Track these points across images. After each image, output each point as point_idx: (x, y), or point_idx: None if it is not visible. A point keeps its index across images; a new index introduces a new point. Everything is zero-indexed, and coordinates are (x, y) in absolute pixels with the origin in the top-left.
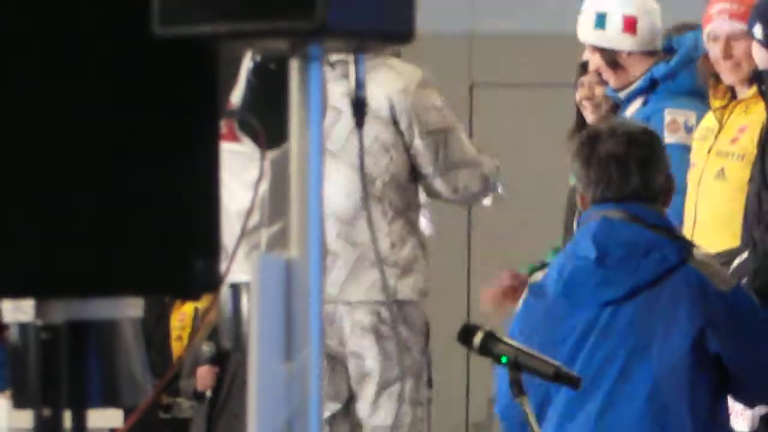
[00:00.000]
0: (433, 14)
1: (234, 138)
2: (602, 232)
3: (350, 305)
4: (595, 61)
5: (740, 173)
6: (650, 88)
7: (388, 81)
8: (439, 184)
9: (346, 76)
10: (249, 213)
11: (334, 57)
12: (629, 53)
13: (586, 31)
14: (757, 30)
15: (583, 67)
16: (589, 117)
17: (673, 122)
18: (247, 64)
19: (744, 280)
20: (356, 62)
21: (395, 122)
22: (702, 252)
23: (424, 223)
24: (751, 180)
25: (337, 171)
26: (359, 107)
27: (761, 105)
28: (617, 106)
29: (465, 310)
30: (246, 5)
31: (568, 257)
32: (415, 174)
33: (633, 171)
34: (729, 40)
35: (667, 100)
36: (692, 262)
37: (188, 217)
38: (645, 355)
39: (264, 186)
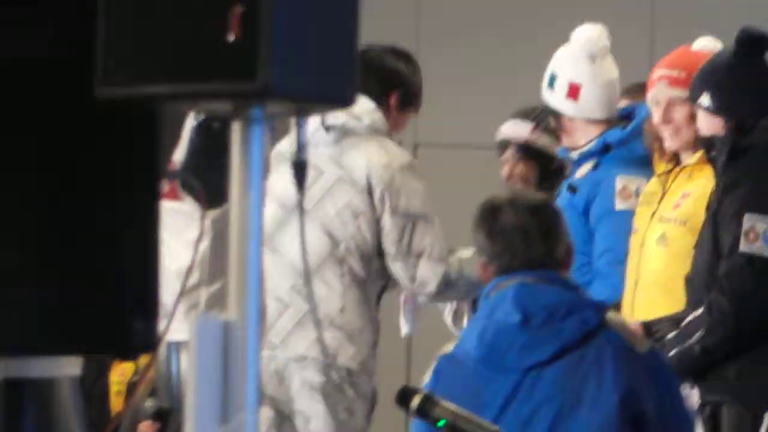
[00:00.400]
0: None
1: (176, 197)
2: (523, 296)
3: (300, 363)
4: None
5: (682, 239)
6: (602, 151)
7: (374, 154)
8: (397, 268)
9: (337, 141)
10: (189, 272)
11: (330, 121)
12: (570, 119)
13: (543, 88)
14: (704, 98)
15: (503, 146)
16: None
17: (624, 189)
18: (190, 122)
19: (694, 338)
20: (297, 125)
21: (370, 192)
22: (614, 313)
23: (403, 320)
24: (697, 246)
25: (306, 227)
26: (299, 169)
27: (706, 171)
28: (552, 174)
29: (405, 376)
30: (188, 66)
31: (486, 323)
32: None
33: (537, 240)
34: (669, 106)
35: (620, 166)
36: (610, 323)
37: (128, 277)
38: (571, 417)
39: (204, 245)
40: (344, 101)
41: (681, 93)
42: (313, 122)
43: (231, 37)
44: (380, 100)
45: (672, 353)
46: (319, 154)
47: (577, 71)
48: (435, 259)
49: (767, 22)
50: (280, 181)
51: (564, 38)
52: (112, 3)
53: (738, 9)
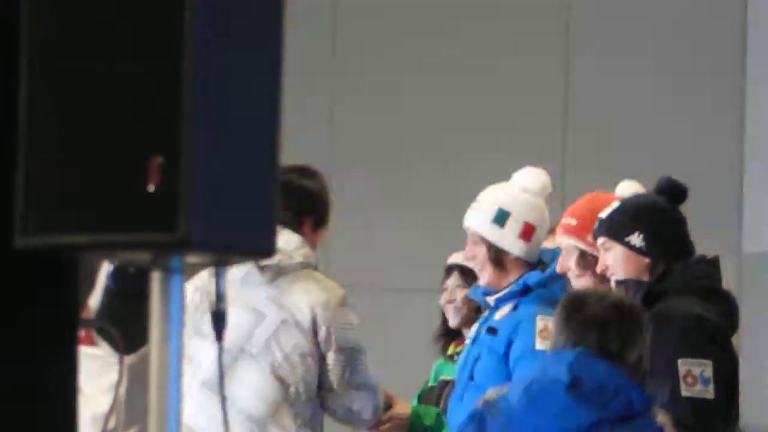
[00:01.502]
0: None
1: (91, 342)
2: (578, 362)
3: None
4: (478, 252)
5: None
6: (522, 293)
7: (313, 293)
8: (336, 402)
9: (272, 281)
10: (109, 415)
11: (264, 261)
12: (516, 258)
13: (480, 222)
14: (635, 238)
15: (448, 271)
16: (451, 320)
17: (545, 329)
18: (105, 268)
19: None
20: (216, 275)
21: (315, 332)
22: (660, 411)
23: None
24: None
25: (256, 372)
26: (218, 320)
27: None
28: (479, 309)
29: None
30: (107, 217)
31: (536, 377)
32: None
33: (613, 339)
34: (565, 253)
35: (540, 306)
36: (653, 414)
37: (44, 426)
38: None
39: (121, 390)
40: (264, 252)
41: (574, 241)
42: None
43: (151, 188)
44: (296, 227)
45: None
46: (255, 295)
47: (534, 214)
48: (369, 388)
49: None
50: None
51: (478, 172)
52: (32, 152)
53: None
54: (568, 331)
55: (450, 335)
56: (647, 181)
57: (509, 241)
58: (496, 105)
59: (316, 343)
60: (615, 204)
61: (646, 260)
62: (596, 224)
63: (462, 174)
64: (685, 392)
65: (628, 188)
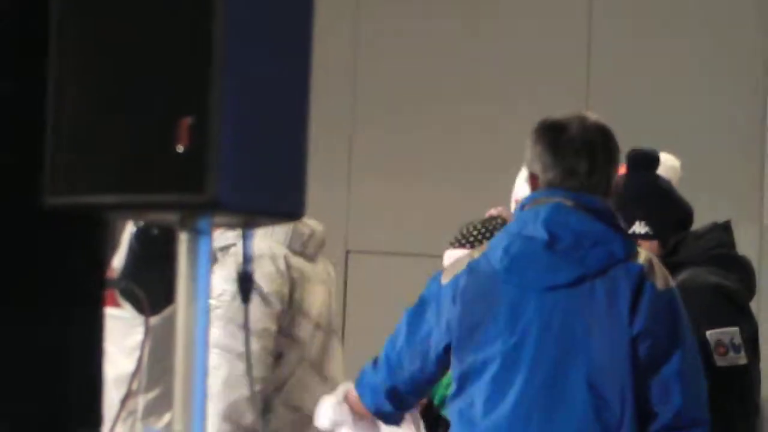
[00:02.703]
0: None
1: (114, 303)
2: (553, 218)
3: None
4: None
5: None
6: None
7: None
8: None
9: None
10: (135, 376)
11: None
12: None
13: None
14: (639, 227)
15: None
16: None
17: None
18: (129, 229)
19: None
20: (244, 237)
21: None
22: (645, 251)
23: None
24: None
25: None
26: (245, 282)
27: None
28: None
29: None
30: (136, 177)
31: (514, 239)
32: None
33: (599, 166)
34: None
35: None
36: (636, 258)
37: (72, 388)
38: (582, 345)
39: (145, 352)
40: (293, 214)
41: None
42: None
43: (180, 149)
44: None
45: None
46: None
47: None
48: None
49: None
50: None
51: (490, 156)
52: (61, 112)
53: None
54: (555, 156)
55: None
56: (668, 144)
57: None
58: (518, 64)
59: None
60: None
61: (655, 241)
62: None
63: (486, 135)
64: (720, 362)
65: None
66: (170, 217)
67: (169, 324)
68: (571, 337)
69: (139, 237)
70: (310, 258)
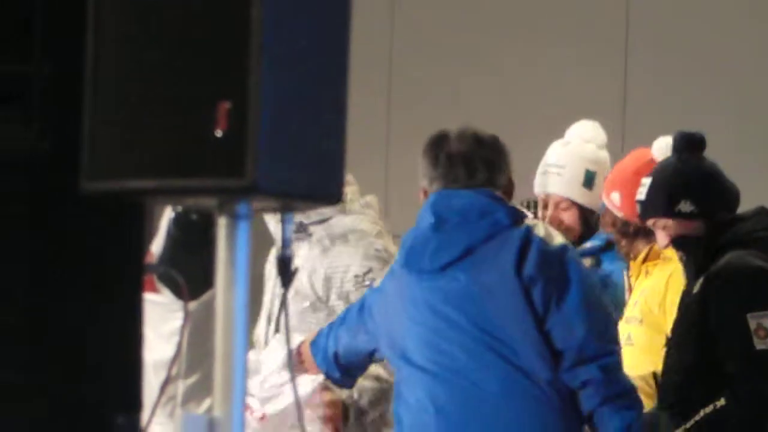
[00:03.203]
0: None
1: (153, 288)
2: (439, 201)
3: None
4: (565, 216)
5: (643, 336)
6: (604, 249)
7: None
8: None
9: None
10: (174, 361)
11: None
12: (597, 215)
13: (570, 188)
14: (684, 205)
15: None
16: None
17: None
18: (168, 214)
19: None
20: (283, 221)
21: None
22: (539, 222)
23: None
24: (674, 345)
25: None
26: (284, 266)
27: (660, 268)
28: None
29: None
30: (175, 162)
31: (410, 232)
32: None
33: (479, 169)
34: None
35: (621, 261)
36: (522, 224)
37: (110, 372)
38: (486, 308)
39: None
40: (331, 198)
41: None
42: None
43: (218, 134)
44: None
45: None
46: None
47: (609, 168)
48: None
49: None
50: None
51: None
52: (99, 97)
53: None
54: (435, 169)
55: None
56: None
57: (598, 201)
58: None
59: None
60: (645, 182)
61: (700, 221)
62: (639, 210)
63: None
64: (759, 346)
65: (663, 147)
66: (209, 202)
67: (208, 309)
68: (475, 305)
69: (178, 222)
70: None
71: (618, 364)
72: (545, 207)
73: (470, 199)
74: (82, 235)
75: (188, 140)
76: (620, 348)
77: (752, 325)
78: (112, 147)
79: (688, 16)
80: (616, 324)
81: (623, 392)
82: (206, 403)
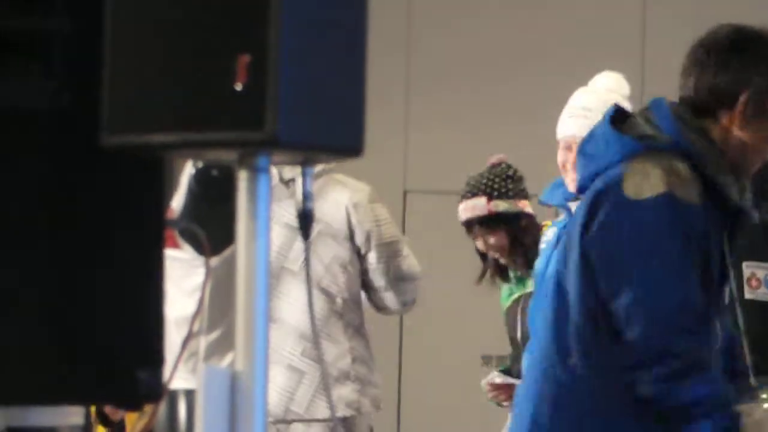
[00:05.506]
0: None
1: (174, 244)
2: None
3: (307, 424)
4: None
5: None
6: None
7: (342, 198)
8: (389, 298)
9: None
10: (196, 316)
11: (288, 174)
12: None
13: (577, 125)
14: None
15: (468, 226)
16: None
17: None
18: (188, 170)
19: None
20: (303, 174)
21: (352, 238)
22: None
23: None
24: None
25: (297, 289)
26: (306, 219)
27: None
28: (522, 233)
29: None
30: (195, 115)
31: None
32: (366, 290)
33: None
34: None
35: None
36: None
37: (132, 328)
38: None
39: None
40: (353, 150)
41: None
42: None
43: (238, 86)
44: None
45: None
46: (285, 210)
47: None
48: (415, 276)
49: None
50: None
51: (548, 91)
52: (118, 52)
53: None
54: None
55: (499, 267)
56: None
57: None
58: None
59: (355, 249)
60: None
61: None
62: None
63: (538, 91)
64: (748, 294)
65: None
66: (229, 156)
67: (230, 265)
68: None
69: (198, 178)
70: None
71: None
72: (570, 149)
73: None
74: (103, 189)
75: (208, 94)
76: None
77: (746, 273)
78: (131, 101)
79: None
80: None
81: None
82: (228, 358)
